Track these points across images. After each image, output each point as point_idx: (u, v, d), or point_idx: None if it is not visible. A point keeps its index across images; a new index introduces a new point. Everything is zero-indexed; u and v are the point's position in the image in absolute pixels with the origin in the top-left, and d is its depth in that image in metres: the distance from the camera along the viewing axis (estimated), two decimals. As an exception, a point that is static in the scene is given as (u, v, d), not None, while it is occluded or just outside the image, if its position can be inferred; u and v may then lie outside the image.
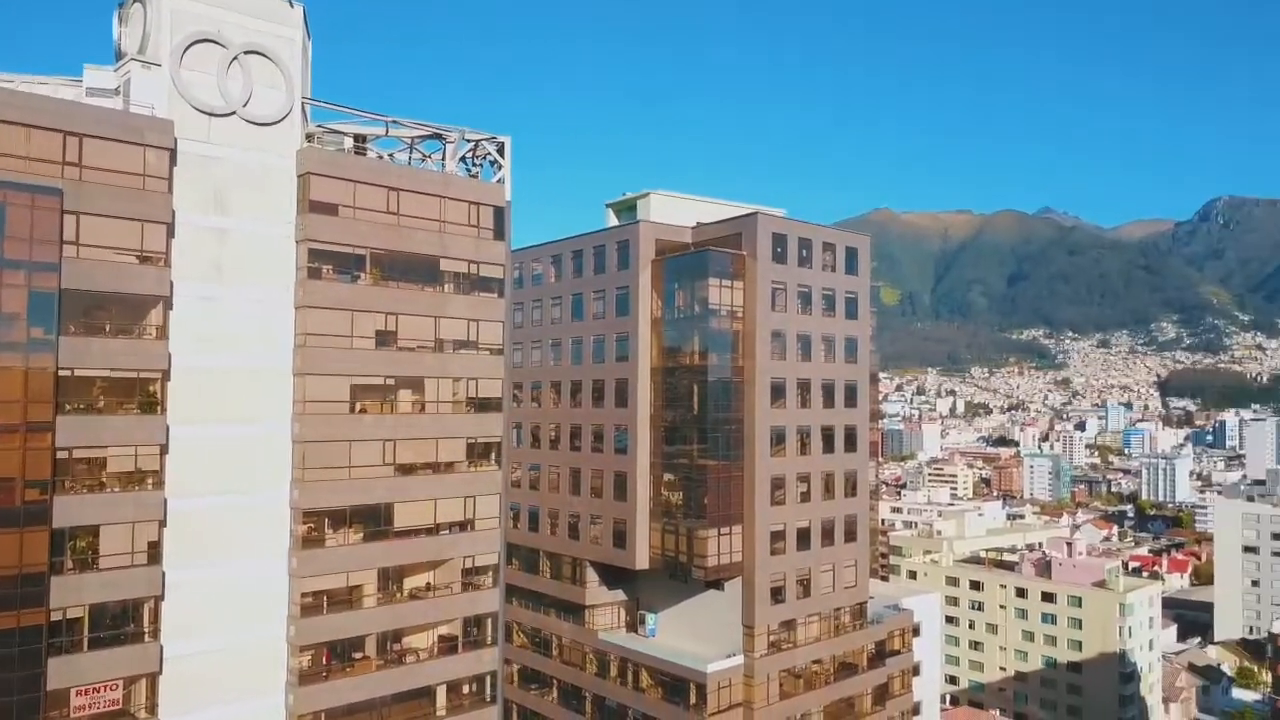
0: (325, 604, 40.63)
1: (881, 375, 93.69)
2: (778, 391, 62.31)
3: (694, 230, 66.06)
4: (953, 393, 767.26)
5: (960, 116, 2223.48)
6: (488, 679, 45.03)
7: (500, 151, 46.82)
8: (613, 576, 68.00)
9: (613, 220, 72.92)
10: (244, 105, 39.27)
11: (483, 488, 44.82)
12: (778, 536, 61.77)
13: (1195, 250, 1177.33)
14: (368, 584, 42.17)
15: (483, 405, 44.94)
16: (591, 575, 67.82)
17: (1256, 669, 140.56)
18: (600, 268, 66.89)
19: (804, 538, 63.51)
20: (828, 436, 65.75)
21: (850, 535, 66.93)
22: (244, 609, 38.69)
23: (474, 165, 47.57)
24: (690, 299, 62.04)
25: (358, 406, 41.49)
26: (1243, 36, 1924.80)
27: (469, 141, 46.39)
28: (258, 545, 39.12)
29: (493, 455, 45.46)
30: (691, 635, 63.55)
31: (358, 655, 41.71)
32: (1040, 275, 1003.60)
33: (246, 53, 39.33)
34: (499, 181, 46.49)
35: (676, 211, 68.50)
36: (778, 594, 61.58)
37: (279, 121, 40.30)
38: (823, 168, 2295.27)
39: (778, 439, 62.17)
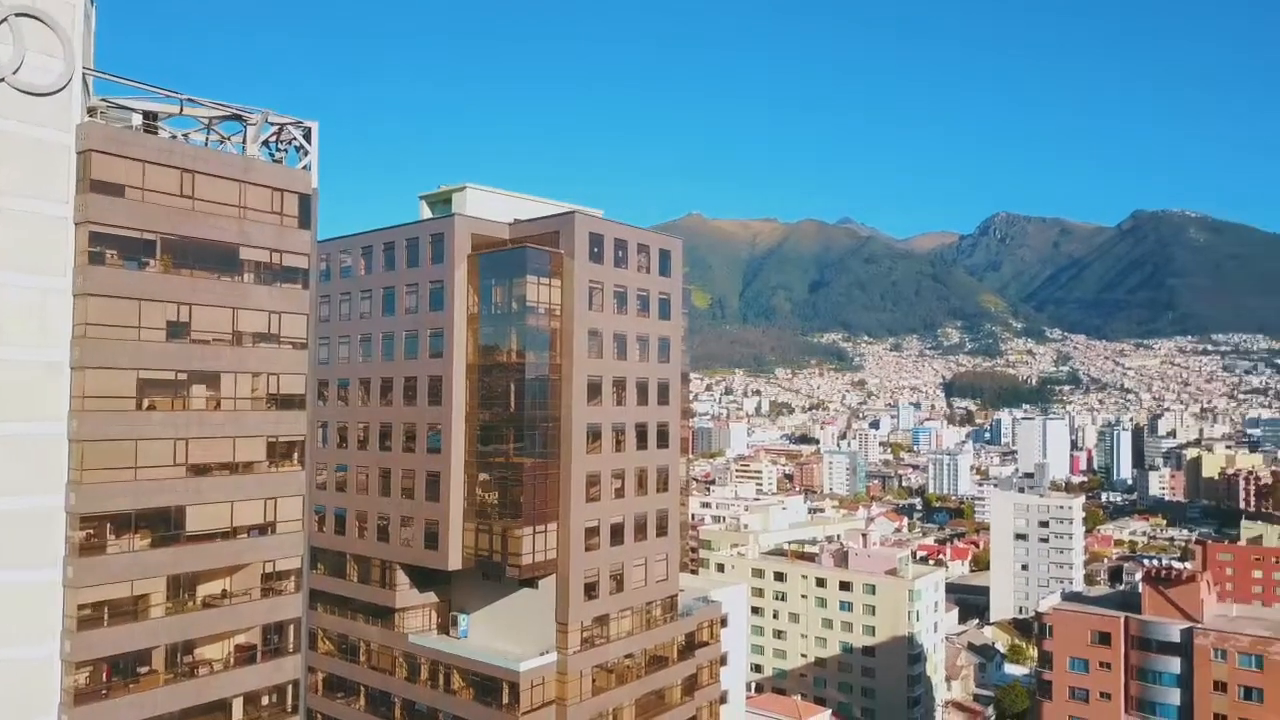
0: (106, 616, 37.49)
1: (692, 375, 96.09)
2: (594, 389, 62.80)
3: (511, 227, 65.54)
4: (758, 393, 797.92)
5: (768, 128, 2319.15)
6: (290, 688, 42.92)
7: (307, 137, 44.71)
8: (425, 578, 66.46)
9: (427, 213, 71.21)
10: (14, 72, 35.70)
11: (284, 489, 42.66)
12: (592, 533, 62.23)
13: (976, 262, 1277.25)
14: (155, 593, 39.21)
15: (285, 403, 42.80)
16: (402, 578, 66.00)
17: (1025, 645, 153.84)
18: (414, 261, 65.20)
19: (618, 533, 64.31)
20: (642, 433, 66.86)
21: (662, 530, 68.31)
22: (10, 624, 35.18)
23: (278, 150, 45.20)
24: (508, 296, 61.51)
25: (146, 403, 38.56)
26: (1018, 62, 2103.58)
27: (273, 125, 44.02)
28: (28, 554, 35.65)
29: (295, 455, 43.34)
30: (505, 635, 63.05)
31: (143, 670, 38.76)
32: (839, 282, 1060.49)
33: (17, 15, 35.78)
34: (305, 168, 44.40)
35: (493, 207, 67.74)
36: (591, 590, 62.03)
37: (56, 92, 36.85)
38: (639, 172, 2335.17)
39: (593, 436, 62.65)
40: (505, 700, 58.93)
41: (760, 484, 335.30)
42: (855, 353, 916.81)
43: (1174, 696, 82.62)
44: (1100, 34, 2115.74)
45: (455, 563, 61.85)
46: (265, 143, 44.25)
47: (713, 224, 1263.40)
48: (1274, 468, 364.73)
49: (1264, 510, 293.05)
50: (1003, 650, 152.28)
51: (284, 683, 42.67)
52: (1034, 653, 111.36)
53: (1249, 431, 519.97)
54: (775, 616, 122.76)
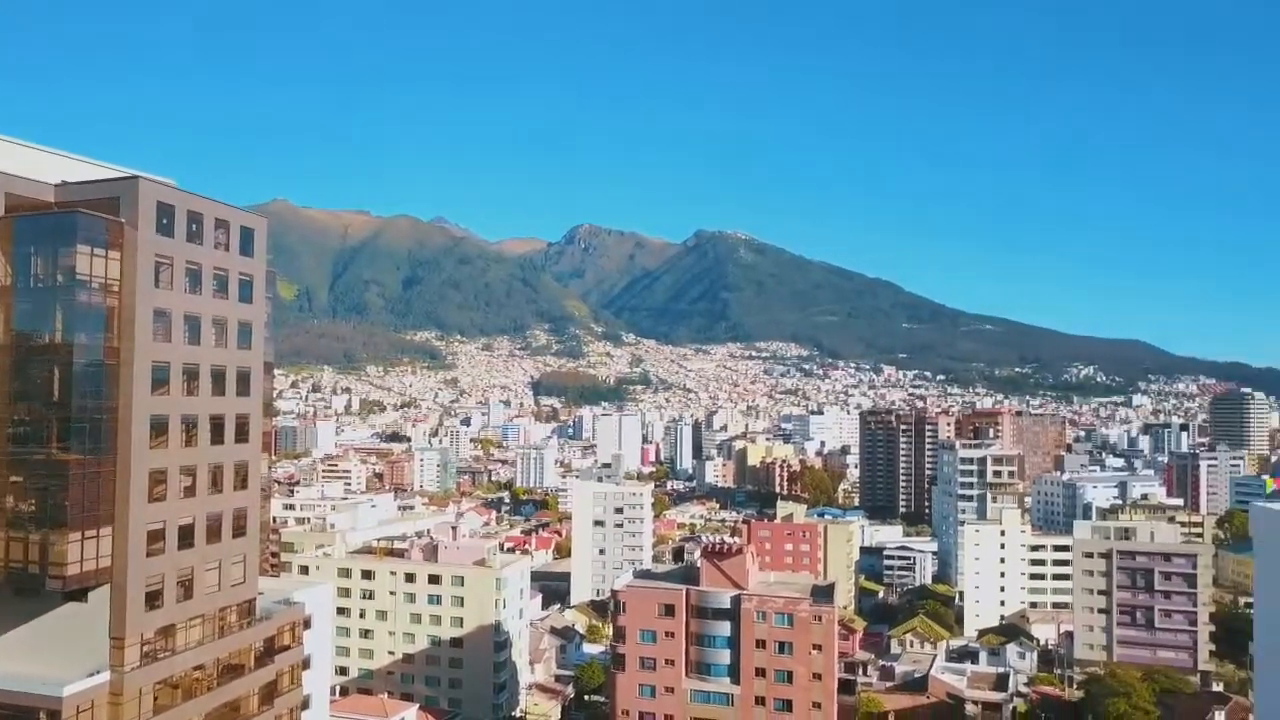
0: None
1: (277, 372, 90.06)
2: (161, 377, 56.60)
3: (58, 189, 56.98)
4: (348, 390, 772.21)
5: (364, 116, 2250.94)
6: None
7: None
8: (-68, 602, 55.50)
9: (-56, 167, 59.59)
10: None
11: None
12: (156, 536, 56.02)
13: (563, 269, 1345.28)
14: None
15: None
16: (-100, 603, 54.60)
17: (602, 625, 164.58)
18: (-76, 222, 54.29)
19: (187, 535, 58.54)
20: (217, 426, 61.49)
21: (239, 530, 63.37)
22: None
23: None
24: (51, 268, 53.41)
25: None
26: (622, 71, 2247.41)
27: None
28: None
29: None
30: (46, 657, 54.57)
31: None
32: (433, 280, 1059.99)
33: None
34: None
35: (33, 165, 58.33)
36: (154, 599, 55.84)
37: None
38: (220, 150, 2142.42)
39: (160, 429, 56.43)
40: (43, 733, 51.11)
41: (349, 483, 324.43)
42: (448, 351, 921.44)
43: (725, 657, 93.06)
44: (664, 70, 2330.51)
45: (-23, 580, 52.44)
46: None
47: (302, 212, 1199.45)
48: (801, 457, 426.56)
49: (794, 492, 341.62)
50: (582, 631, 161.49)
51: None
52: (609, 630, 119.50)
53: (783, 426, 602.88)
54: (363, 615, 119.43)
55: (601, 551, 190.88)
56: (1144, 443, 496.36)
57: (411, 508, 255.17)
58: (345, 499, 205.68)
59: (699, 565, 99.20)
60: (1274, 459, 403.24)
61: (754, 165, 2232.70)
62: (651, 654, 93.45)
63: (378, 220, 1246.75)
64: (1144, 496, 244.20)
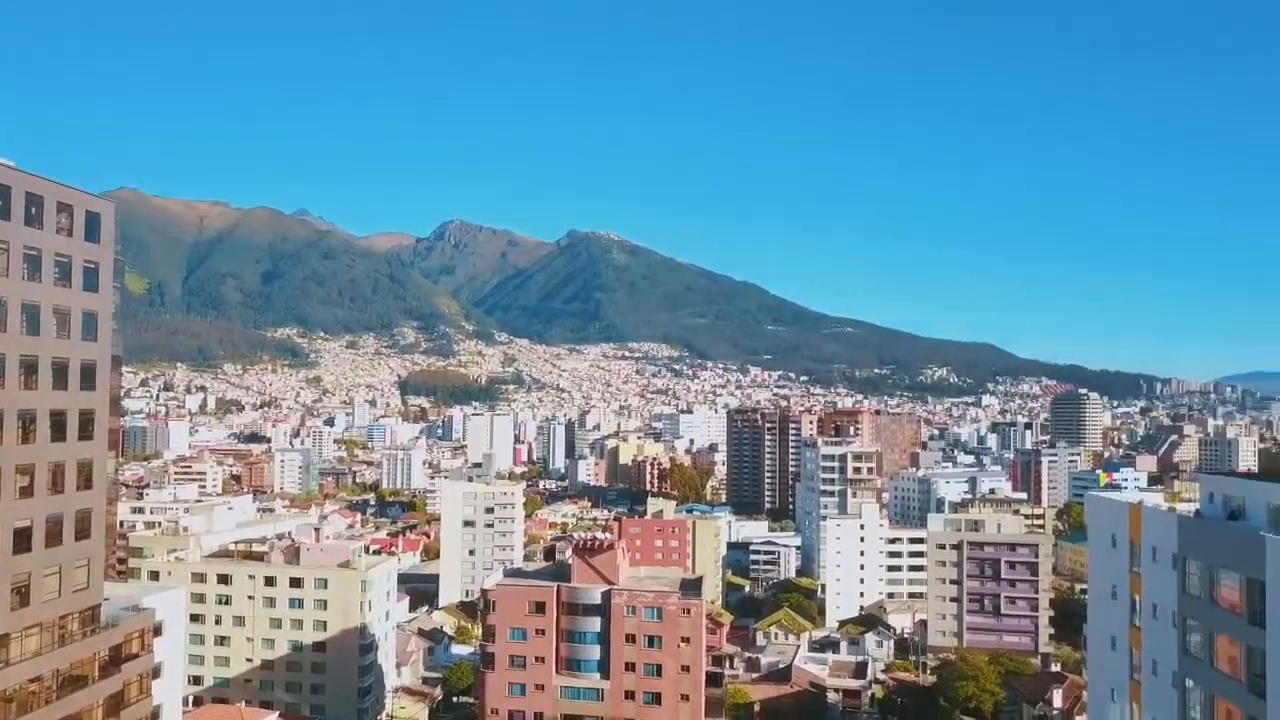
0: None
1: (126, 369, 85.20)
2: (-6, 369, 52.90)
3: (-124, 165, 52.60)
4: (204, 389, 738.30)
5: (223, 103, 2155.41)
6: None
7: None
8: None
9: None
10: None
11: None
12: (-12, 539, 52.37)
13: (432, 265, 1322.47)
14: None
15: None
16: None
17: (471, 626, 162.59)
18: None
19: (24, 538, 54.93)
20: (58, 423, 57.93)
21: (83, 533, 59.84)
22: None
23: None
24: None
25: None
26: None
27: None
28: None
29: None
30: None
31: None
32: (295, 275, 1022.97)
33: None
34: None
35: None
36: (-14, 607, 52.19)
37: None
38: (63, 132, 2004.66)
39: (-8, 425, 52.78)
40: None
41: (204, 485, 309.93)
42: (311, 349, 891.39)
43: (596, 653, 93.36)
44: (533, 67, 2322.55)
45: None
46: None
47: (153, 201, 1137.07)
48: (671, 455, 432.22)
49: (664, 490, 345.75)
50: (451, 633, 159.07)
51: None
52: (479, 630, 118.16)
53: (654, 425, 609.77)
54: (219, 622, 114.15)
55: (471, 552, 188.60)
56: (992, 440, 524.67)
57: (272, 510, 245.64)
58: (200, 501, 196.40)
59: (570, 562, 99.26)
60: (1107, 454, 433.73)
61: (626, 166, 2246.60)
62: (522, 652, 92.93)
63: (236, 212, 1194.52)
64: (991, 491, 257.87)
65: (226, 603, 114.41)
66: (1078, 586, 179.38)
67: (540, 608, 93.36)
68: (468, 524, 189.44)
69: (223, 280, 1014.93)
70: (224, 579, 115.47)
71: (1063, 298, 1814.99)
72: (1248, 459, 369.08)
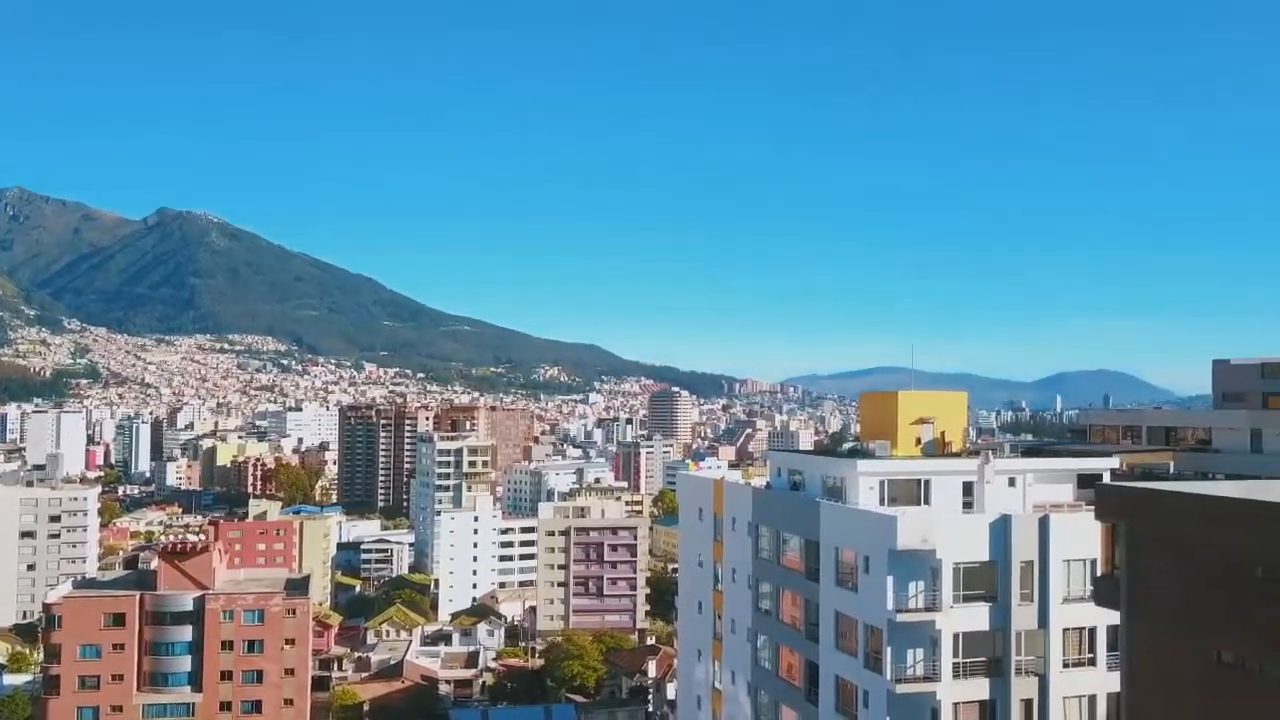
0: None
1: None
2: None
3: None
4: None
5: None
6: None
7: None
8: None
9: None
10: None
11: None
12: None
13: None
14: None
15: None
16: None
17: (29, 652, 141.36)
18: None
19: None
20: None
21: None
22: None
23: None
24: None
25: None
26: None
27: None
28: None
29: None
30: None
31: None
32: None
33: None
34: None
35: None
36: None
37: None
38: None
39: None
40: None
41: None
42: None
43: (186, 664, 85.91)
44: (114, 29, 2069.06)
45: None
46: None
47: None
48: (277, 455, 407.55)
49: (269, 491, 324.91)
50: (3, 660, 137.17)
51: None
52: (40, 655, 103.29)
53: (258, 423, 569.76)
54: None
55: (31, 567, 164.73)
56: (598, 435, 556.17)
57: None
58: None
59: (156, 569, 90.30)
60: (695, 446, 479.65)
61: (227, 142, 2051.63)
62: (95, 671, 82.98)
63: None
64: (597, 480, 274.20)
65: None
66: (670, 566, 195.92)
67: (120, 619, 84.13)
68: (26, 534, 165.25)
69: None
70: None
71: (658, 301, 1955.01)
72: (806, 447, 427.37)
